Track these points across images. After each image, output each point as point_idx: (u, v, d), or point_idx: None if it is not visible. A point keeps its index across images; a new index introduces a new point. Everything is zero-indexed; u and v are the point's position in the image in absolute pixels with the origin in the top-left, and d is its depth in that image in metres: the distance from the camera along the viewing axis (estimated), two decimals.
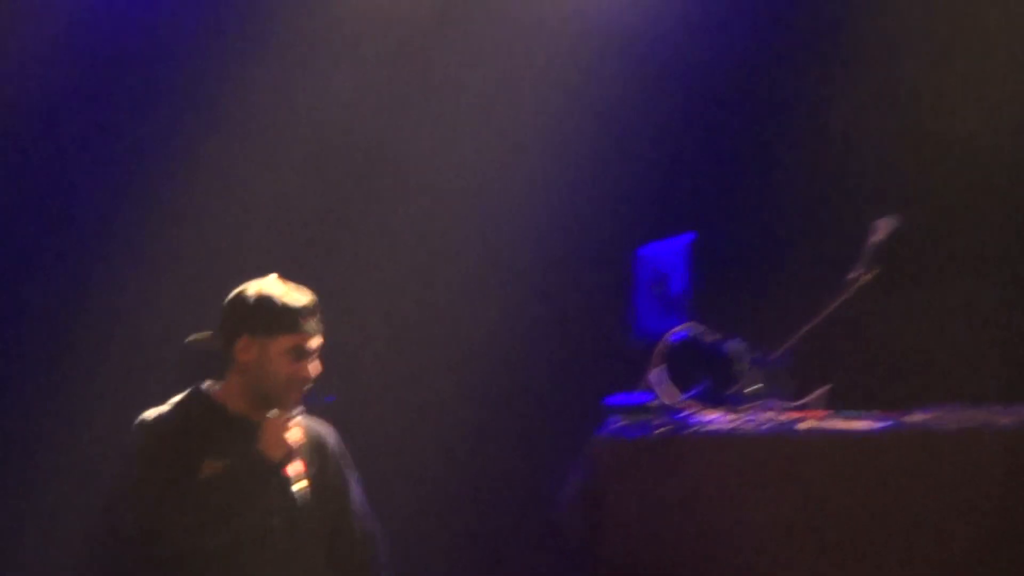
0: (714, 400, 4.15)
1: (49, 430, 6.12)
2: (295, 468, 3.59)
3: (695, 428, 4.05)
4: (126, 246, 6.03)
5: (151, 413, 3.68)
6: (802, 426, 4.06)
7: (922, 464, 3.97)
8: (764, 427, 4.03)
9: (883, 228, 4.27)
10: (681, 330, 4.17)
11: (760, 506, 3.93)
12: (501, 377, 5.02)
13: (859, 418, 4.10)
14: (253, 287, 3.69)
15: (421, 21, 5.81)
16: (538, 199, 5.22)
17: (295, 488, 3.59)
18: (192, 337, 4.83)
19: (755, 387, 4.11)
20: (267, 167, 5.97)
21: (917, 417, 4.11)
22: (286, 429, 3.58)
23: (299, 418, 3.65)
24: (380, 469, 4.30)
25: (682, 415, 4.07)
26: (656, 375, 4.12)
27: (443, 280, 5.45)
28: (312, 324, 3.65)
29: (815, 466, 3.96)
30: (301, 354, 3.61)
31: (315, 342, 3.66)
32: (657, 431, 4.05)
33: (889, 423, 4.06)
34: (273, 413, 3.60)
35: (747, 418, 4.08)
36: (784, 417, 4.09)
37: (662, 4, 5.68)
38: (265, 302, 3.62)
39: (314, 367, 3.66)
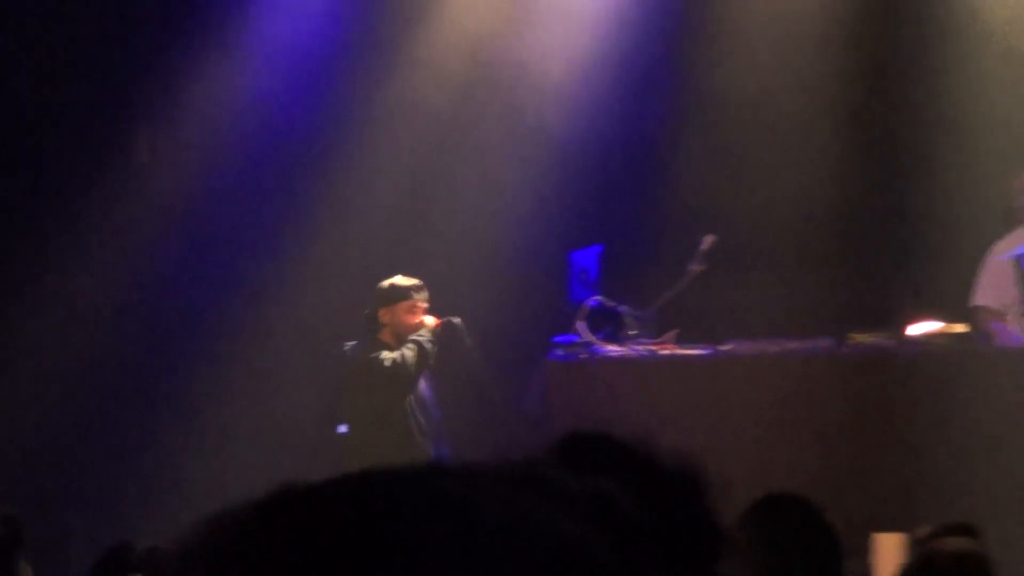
0: (612, 339, 7.27)
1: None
2: None
3: (602, 355, 7.21)
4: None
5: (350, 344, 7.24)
6: (661, 352, 7.23)
7: (726, 374, 7.13)
8: (640, 353, 7.19)
9: (707, 241, 7.42)
10: (594, 299, 7.32)
11: (637, 397, 7.08)
12: (498, 327, 7.92)
13: (693, 348, 7.26)
14: (384, 281, 7.07)
15: None
16: (520, 221, 8.24)
17: None
18: (365, 311, 7.70)
19: (634, 331, 7.27)
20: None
21: (726, 347, 7.26)
22: None
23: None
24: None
25: (594, 348, 7.21)
26: (581, 325, 7.25)
27: (456, 268, 8.30)
28: (415, 294, 6.96)
29: (666, 374, 7.14)
30: (412, 310, 6.94)
31: (420, 304, 7.02)
32: (581, 357, 7.20)
33: (710, 350, 7.22)
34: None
35: (630, 349, 7.23)
36: (651, 348, 7.25)
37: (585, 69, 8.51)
38: (388, 286, 6.98)
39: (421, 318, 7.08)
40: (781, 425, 6.83)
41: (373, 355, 7.15)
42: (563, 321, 7.34)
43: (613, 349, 7.19)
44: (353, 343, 7.30)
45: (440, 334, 7.30)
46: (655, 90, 8.56)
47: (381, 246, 8.21)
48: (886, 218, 8.50)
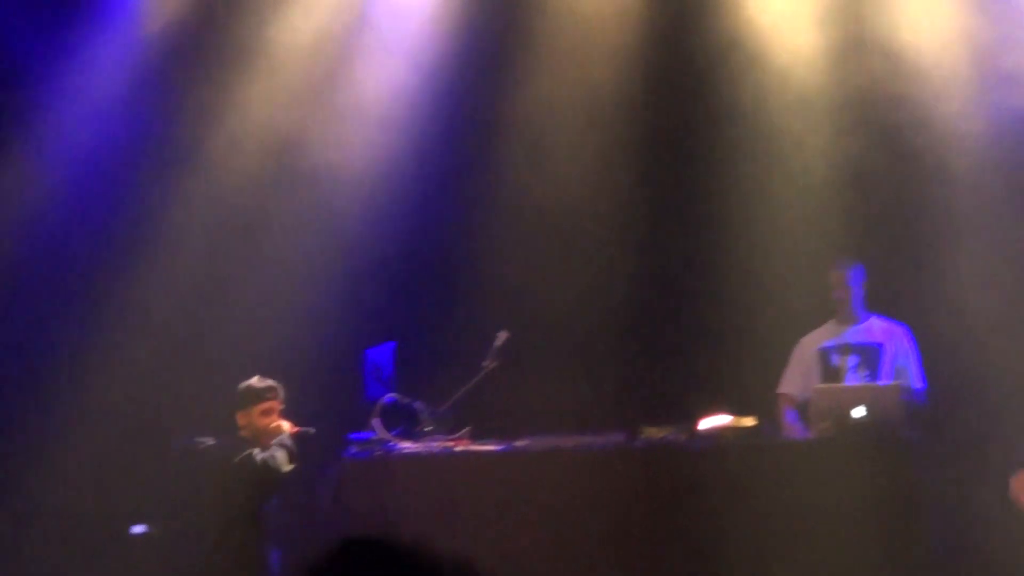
0: (407, 436, 7.28)
1: None
2: None
3: (397, 452, 7.20)
4: None
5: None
6: (456, 448, 7.25)
7: (520, 469, 7.18)
8: (434, 450, 7.20)
9: (501, 337, 7.49)
10: (389, 396, 7.31)
11: (432, 493, 7.08)
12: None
13: (487, 443, 7.30)
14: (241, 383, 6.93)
15: None
16: (316, 319, 8.28)
17: None
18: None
19: (429, 428, 7.28)
20: None
21: (521, 443, 7.32)
22: None
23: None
24: None
25: (389, 445, 7.20)
26: (376, 422, 7.23)
27: (252, 365, 8.25)
28: (269, 395, 6.92)
29: (460, 470, 7.15)
30: (268, 412, 6.77)
31: (276, 405, 6.93)
32: (376, 454, 7.17)
33: (504, 446, 7.27)
34: None
35: (425, 445, 7.24)
36: (446, 444, 7.27)
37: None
38: (244, 388, 6.88)
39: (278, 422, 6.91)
40: (575, 520, 6.91)
41: (246, 453, 6.91)
42: (361, 418, 7.31)
43: (408, 446, 7.20)
44: (210, 440, 7.02)
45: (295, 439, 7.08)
46: (452, 189, 8.68)
47: (177, 339, 8.11)
48: (679, 313, 8.72)
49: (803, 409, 7.59)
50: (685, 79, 8.63)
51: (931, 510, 6.96)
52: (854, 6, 8.15)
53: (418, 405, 7.31)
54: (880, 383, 7.50)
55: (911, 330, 7.77)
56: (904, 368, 7.68)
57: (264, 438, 6.96)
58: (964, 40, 7.98)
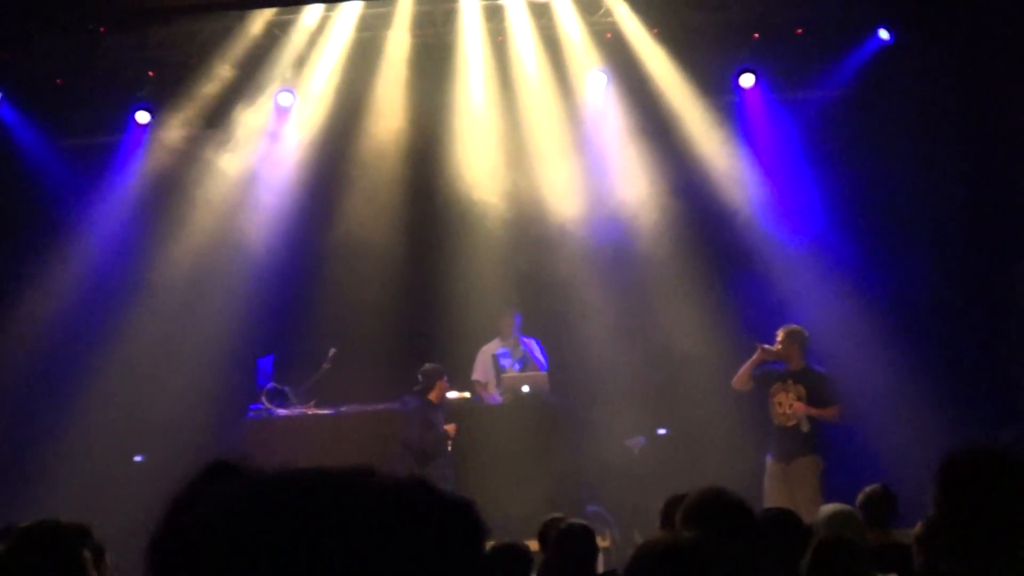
0: (282, 407, 13.24)
1: None
2: None
3: (275, 415, 13.19)
4: None
5: None
6: (308, 412, 13.26)
7: (343, 424, 13.22)
8: (294, 413, 13.21)
9: (332, 352, 13.49)
10: (271, 385, 13.31)
11: (296, 438, 13.06)
12: (218, 402, 13.72)
13: (325, 409, 13.32)
14: None
15: None
16: (228, 338, 14.12)
17: None
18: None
19: (294, 402, 13.29)
20: None
21: (345, 408, 13.35)
22: None
23: None
24: None
25: (271, 411, 13.17)
26: (264, 399, 13.20)
27: (181, 368, 14.19)
28: None
29: (309, 424, 13.17)
30: None
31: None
32: (262, 416, 13.16)
33: (334, 410, 13.30)
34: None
35: (291, 411, 13.25)
36: (303, 410, 13.28)
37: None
38: None
39: None
40: (359, 450, 12.86)
41: None
42: (255, 397, 13.25)
43: (282, 411, 13.18)
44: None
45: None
46: (302, 257, 14.64)
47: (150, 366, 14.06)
48: (428, 327, 14.70)
49: (486, 389, 13.66)
50: (429, 199, 14.73)
51: (561, 437, 13.15)
52: (515, 171, 14.27)
53: (287, 388, 13.30)
54: (533, 373, 13.62)
55: (540, 342, 13.90)
56: (541, 363, 13.82)
57: None
58: (582, 192, 14.21)
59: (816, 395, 11.77)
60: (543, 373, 13.38)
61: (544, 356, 13.75)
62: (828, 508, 6.89)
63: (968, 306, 13.43)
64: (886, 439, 12.46)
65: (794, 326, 12.05)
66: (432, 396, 12.26)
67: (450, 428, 12.41)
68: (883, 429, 12.63)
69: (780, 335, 11.93)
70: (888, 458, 11.84)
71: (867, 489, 7.74)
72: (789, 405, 11.77)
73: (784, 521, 5.85)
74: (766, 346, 11.92)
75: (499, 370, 13.50)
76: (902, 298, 13.58)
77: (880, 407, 12.87)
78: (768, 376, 11.94)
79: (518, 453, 12.76)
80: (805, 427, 11.70)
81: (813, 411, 11.71)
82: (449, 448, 12.38)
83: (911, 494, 8.30)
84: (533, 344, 13.82)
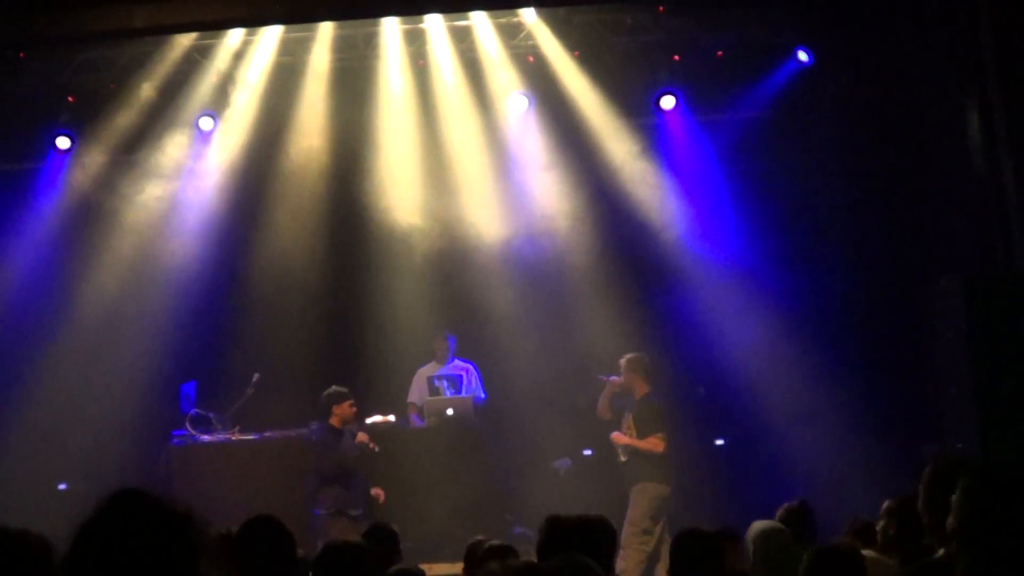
0: (205, 432, 13.15)
1: None
2: None
3: (199, 441, 13.10)
4: None
5: None
6: (232, 438, 13.18)
7: (261, 449, 13.13)
8: (218, 438, 13.13)
9: (256, 377, 13.42)
10: (194, 411, 13.21)
11: (217, 463, 12.97)
12: (143, 429, 13.62)
13: (247, 435, 13.25)
14: None
15: None
16: (149, 365, 14.03)
17: None
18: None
19: (217, 427, 13.19)
20: None
21: (269, 433, 13.29)
22: None
23: None
24: None
25: (195, 437, 13.08)
26: (188, 425, 13.09)
27: (112, 395, 14.03)
28: None
29: (232, 451, 13.09)
30: None
31: None
32: (187, 443, 13.06)
33: (258, 435, 13.24)
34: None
35: (216, 436, 13.16)
36: (227, 436, 13.20)
37: None
38: None
39: None
40: (282, 475, 12.73)
41: None
42: (179, 423, 13.15)
43: (206, 437, 13.09)
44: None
45: None
46: (224, 289, 14.56)
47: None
48: (357, 352, 14.70)
49: (421, 411, 13.69)
50: (353, 223, 14.72)
51: (485, 459, 13.15)
52: (439, 193, 14.33)
53: (211, 415, 13.21)
54: (461, 396, 13.61)
55: (476, 366, 13.93)
56: (475, 388, 13.82)
57: None
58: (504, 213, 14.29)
59: (642, 425, 11.92)
60: (467, 397, 13.39)
61: (479, 380, 13.76)
62: (759, 525, 6.91)
63: (889, 322, 13.57)
64: (804, 453, 12.58)
65: (632, 354, 12.21)
66: (333, 421, 12.05)
67: (362, 437, 12.12)
68: (802, 444, 12.74)
69: (621, 364, 12.09)
70: (806, 473, 11.95)
71: (786, 504, 7.79)
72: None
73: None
74: (613, 378, 12.05)
75: (434, 392, 13.48)
76: (822, 314, 13.72)
77: (800, 422, 12.98)
78: (624, 405, 12.18)
79: (441, 476, 12.80)
80: (623, 457, 11.92)
81: (625, 440, 11.91)
82: (364, 473, 12.17)
83: (829, 509, 8.43)
84: (470, 368, 13.83)
